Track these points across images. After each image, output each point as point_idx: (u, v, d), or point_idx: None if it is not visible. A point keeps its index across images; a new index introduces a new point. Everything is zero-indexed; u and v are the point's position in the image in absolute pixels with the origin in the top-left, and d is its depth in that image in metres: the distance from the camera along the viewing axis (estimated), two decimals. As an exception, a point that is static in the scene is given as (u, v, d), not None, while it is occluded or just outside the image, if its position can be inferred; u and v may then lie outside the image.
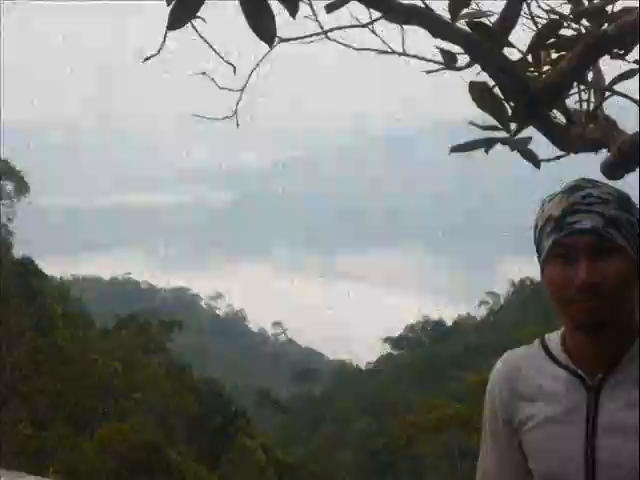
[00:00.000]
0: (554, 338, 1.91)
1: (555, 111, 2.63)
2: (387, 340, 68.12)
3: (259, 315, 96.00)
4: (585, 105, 2.71)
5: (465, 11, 2.32)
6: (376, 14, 2.37)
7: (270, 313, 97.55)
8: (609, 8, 2.34)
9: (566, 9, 2.50)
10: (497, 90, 2.32)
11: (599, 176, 2.55)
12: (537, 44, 2.47)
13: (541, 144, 2.49)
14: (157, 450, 26.34)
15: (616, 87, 2.57)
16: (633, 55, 2.45)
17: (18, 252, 33.61)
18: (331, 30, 2.42)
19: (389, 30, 2.41)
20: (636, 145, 2.48)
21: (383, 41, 2.47)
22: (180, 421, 32.06)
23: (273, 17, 2.16)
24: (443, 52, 2.42)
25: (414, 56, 2.48)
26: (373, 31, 2.45)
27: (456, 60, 2.43)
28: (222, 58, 2.31)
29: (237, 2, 2.13)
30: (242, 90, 2.45)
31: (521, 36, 2.46)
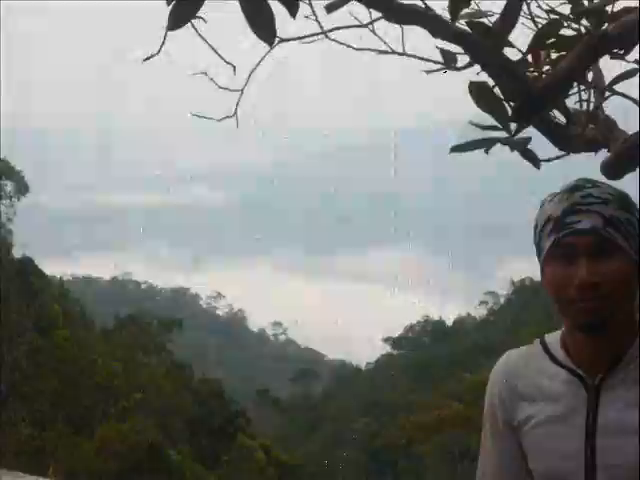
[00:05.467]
0: (554, 338, 1.91)
1: (555, 111, 2.63)
2: (387, 340, 67.99)
3: (259, 315, 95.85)
4: (585, 105, 2.71)
5: (465, 11, 2.32)
6: (376, 14, 2.37)
7: (270, 313, 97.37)
8: (609, 8, 2.34)
9: (566, 9, 2.49)
10: (497, 90, 2.32)
11: (599, 176, 2.55)
12: (537, 44, 2.46)
13: (541, 144, 2.49)
14: (157, 450, 26.36)
15: (616, 87, 2.57)
16: (633, 55, 2.45)
17: (18, 252, 33.53)
18: (331, 30, 2.42)
19: (389, 30, 2.40)
20: (636, 145, 2.48)
21: (383, 41, 2.46)
22: (180, 421, 32.06)
23: (273, 17, 2.16)
24: (443, 52, 2.41)
25: (414, 56, 2.48)
26: (373, 31, 2.45)
27: (456, 60, 2.42)
28: (222, 58, 2.31)
29: (237, 2, 2.13)
30: (242, 90, 2.45)
31: (521, 36, 2.46)
